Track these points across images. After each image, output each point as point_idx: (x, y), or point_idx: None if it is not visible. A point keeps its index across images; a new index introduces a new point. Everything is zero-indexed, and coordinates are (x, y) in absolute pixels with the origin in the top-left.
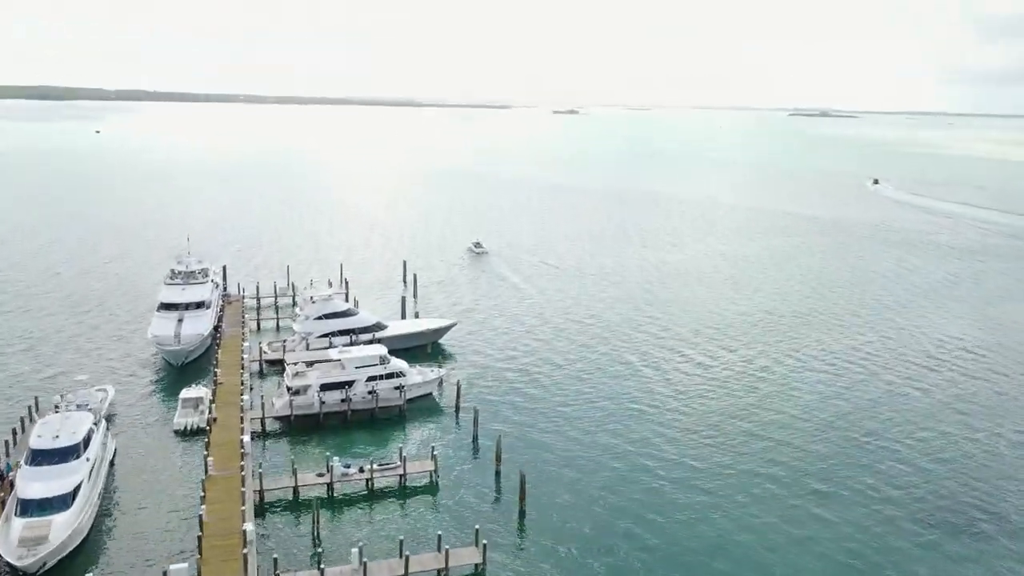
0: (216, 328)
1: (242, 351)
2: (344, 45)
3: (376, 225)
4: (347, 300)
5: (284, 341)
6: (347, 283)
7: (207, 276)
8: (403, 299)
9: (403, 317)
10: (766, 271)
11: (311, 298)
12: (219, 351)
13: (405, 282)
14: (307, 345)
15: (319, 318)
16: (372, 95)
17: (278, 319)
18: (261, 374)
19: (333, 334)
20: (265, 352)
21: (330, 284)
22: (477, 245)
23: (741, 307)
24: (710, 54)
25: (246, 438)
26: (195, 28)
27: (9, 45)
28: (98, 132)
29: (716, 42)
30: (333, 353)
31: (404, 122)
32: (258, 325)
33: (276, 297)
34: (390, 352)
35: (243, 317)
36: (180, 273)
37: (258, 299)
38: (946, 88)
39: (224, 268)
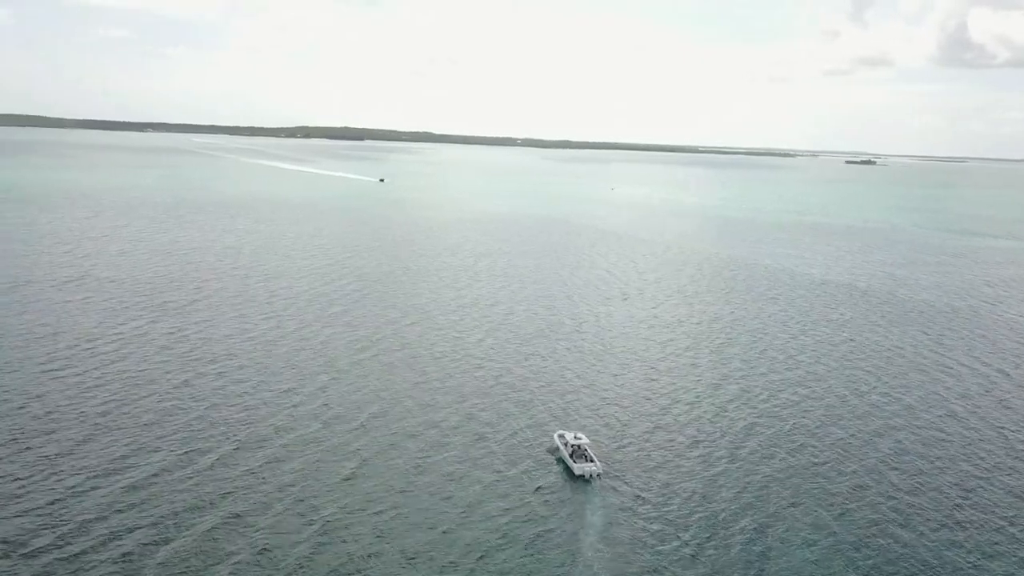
0: None
1: None
2: (614, 88)
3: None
4: None
5: None
6: None
7: None
8: None
9: None
10: None
11: None
12: None
13: None
14: None
15: None
16: (647, 140)
17: None
18: None
19: None
20: None
21: None
22: (576, 453)
23: None
24: None
25: None
26: (484, 77)
27: (323, 91)
28: (382, 181)
29: None
30: None
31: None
32: None
33: None
34: None
35: None
36: None
37: None
38: None
39: None
